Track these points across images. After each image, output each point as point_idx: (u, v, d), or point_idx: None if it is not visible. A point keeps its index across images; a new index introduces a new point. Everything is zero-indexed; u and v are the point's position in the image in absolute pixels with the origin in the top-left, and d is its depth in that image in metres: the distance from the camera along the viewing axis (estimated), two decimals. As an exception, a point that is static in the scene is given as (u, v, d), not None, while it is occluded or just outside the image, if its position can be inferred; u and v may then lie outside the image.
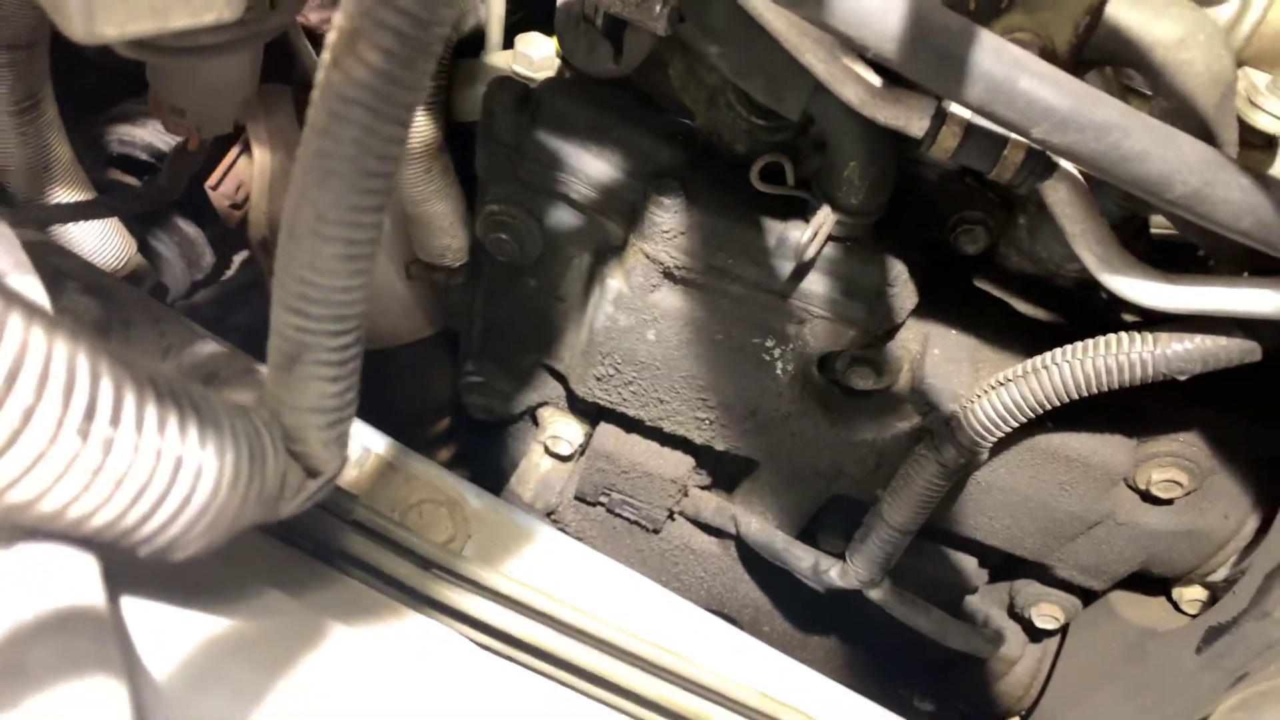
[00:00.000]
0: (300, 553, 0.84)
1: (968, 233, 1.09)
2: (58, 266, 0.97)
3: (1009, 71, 0.69)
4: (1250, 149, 0.88)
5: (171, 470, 0.47)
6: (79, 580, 0.45)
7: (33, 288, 0.65)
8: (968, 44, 0.67)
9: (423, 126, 1.15)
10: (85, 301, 0.96)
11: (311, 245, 0.53)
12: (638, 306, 1.07)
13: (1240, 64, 0.85)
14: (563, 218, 1.09)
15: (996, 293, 1.15)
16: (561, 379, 1.27)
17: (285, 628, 0.66)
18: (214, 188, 1.45)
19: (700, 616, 1.03)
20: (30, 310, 0.42)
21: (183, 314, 1.62)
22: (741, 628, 1.42)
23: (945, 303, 1.10)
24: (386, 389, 1.47)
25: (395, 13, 0.48)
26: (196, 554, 0.52)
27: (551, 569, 1.03)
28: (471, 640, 0.88)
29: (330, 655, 0.69)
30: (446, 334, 1.47)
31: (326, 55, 0.51)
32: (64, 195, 1.16)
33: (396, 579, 0.88)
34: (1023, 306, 1.14)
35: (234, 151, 1.44)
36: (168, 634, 0.56)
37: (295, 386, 0.57)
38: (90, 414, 0.43)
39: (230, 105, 0.94)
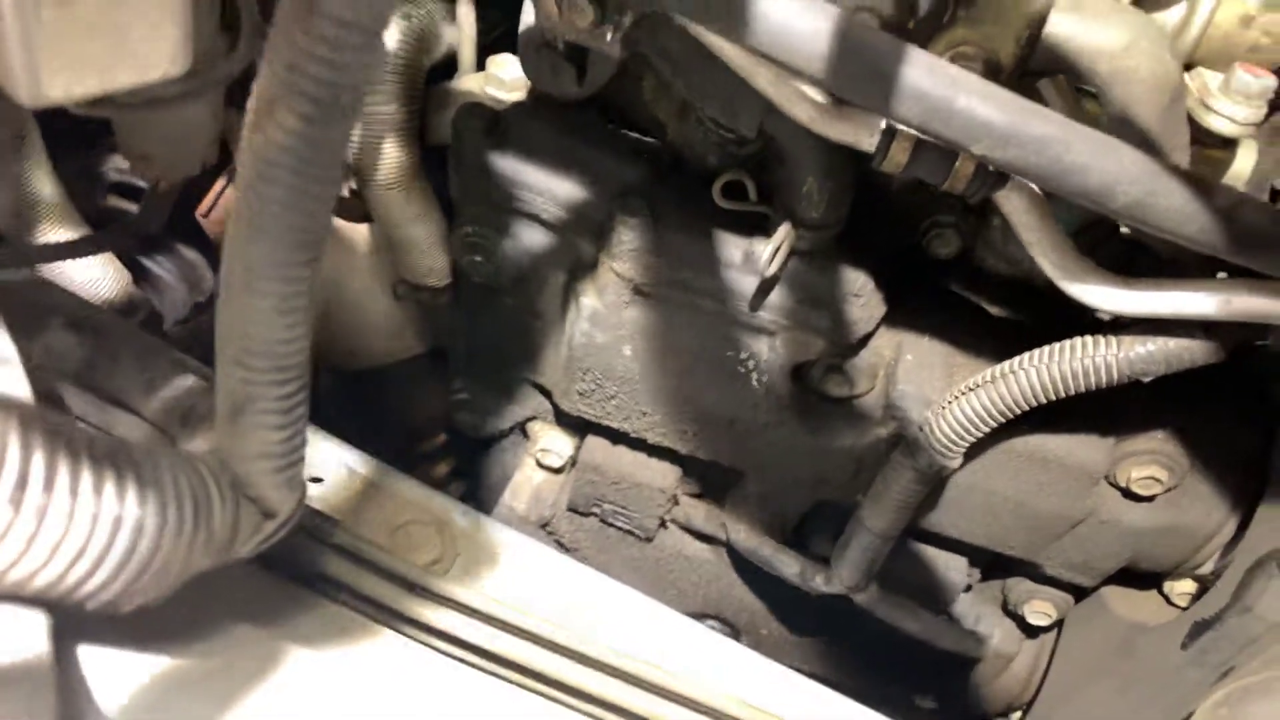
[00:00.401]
0: (280, 578, 0.86)
1: (940, 236, 1.09)
2: (43, 303, 1.00)
3: (944, 90, 0.69)
4: (1206, 149, 0.87)
5: (109, 531, 0.48)
6: (21, 638, 0.47)
7: (-1, 342, 0.67)
8: (899, 64, 0.68)
9: (398, 153, 1.16)
10: (70, 339, 0.98)
11: (245, 300, 0.55)
12: (613, 323, 1.09)
13: (1191, 66, 0.85)
14: (535, 238, 1.10)
15: (972, 296, 1.15)
16: (547, 394, 1.28)
17: (250, 659, 0.68)
18: (205, 215, 1.48)
19: (690, 627, 1.04)
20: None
21: (181, 338, 1.64)
22: (738, 631, 1.43)
23: (919, 308, 1.10)
24: (382, 407, 1.49)
25: (310, 80, 0.49)
26: (146, 604, 0.54)
27: (540, 584, 1.04)
28: (456, 660, 0.89)
29: (299, 683, 0.70)
30: (439, 351, 1.49)
31: (249, 118, 0.52)
32: (51, 233, 1.18)
33: (379, 601, 0.90)
34: (998, 310, 1.14)
35: (223, 180, 1.46)
36: (127, 674, 0.58)
37: (242, 436, 0.59)
38: (22, 484, 0.45)
39: (196, 148, 0.96)
